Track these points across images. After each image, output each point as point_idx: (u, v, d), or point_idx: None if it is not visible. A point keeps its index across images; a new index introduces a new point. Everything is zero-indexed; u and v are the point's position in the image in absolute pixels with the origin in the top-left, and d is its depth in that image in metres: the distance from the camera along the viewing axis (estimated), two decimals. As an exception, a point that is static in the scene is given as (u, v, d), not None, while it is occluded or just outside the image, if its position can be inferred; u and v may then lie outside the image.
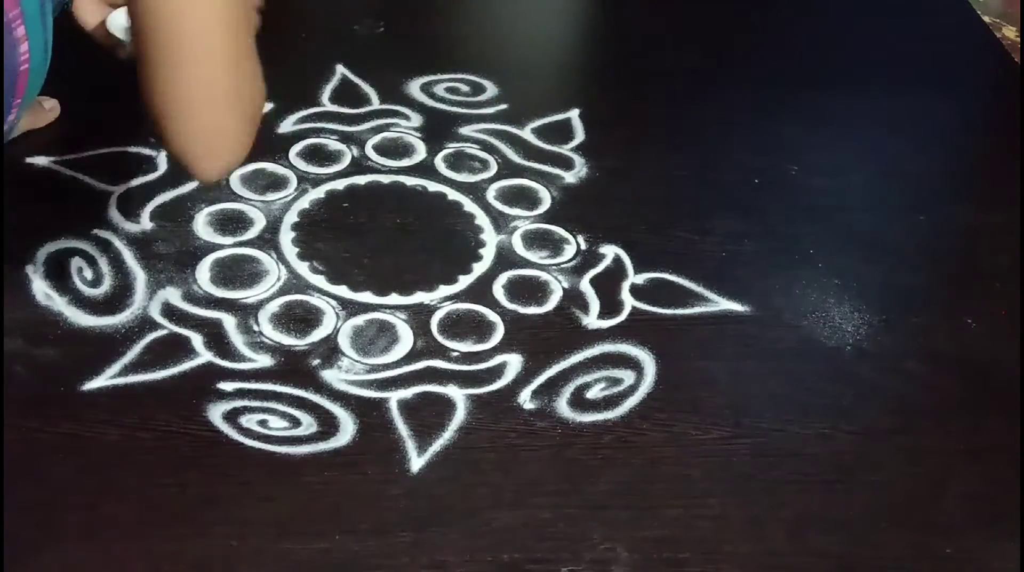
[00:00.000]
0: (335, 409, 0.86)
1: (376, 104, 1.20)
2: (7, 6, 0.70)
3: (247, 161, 1.07)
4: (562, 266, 1.02)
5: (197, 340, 0.90)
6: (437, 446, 0.85)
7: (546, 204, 1.09)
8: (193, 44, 0.71)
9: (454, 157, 1.14)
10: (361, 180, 1.10)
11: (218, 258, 0.98)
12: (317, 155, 1.12)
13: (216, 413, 0.85)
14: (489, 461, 0.84)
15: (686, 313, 0.99)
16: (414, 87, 1.23)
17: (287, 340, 0.91)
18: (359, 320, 0.94)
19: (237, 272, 0.97)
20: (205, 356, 0.89)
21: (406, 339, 0.93)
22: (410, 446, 0.84)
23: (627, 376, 0.92)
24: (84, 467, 0.80)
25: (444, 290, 0.98)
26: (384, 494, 0.81)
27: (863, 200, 1.16)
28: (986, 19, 1.55)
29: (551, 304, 0.98)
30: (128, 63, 1.11)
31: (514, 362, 0.92)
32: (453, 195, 1.09)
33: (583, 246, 1.04)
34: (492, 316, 0.96)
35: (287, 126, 1.15)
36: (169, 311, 0.93)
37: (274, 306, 0.94)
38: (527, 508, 0.81)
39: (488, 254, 1.02)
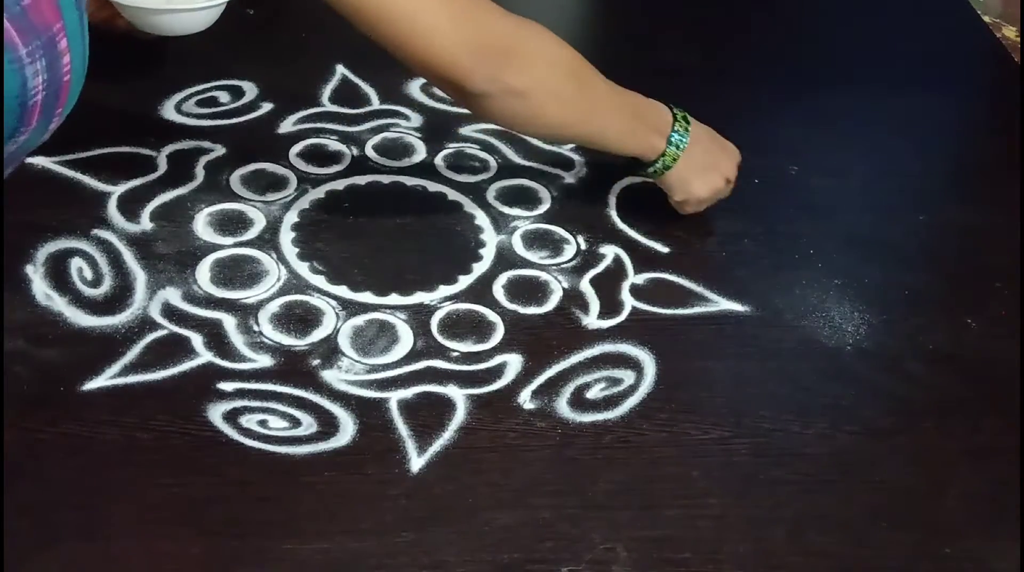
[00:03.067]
0: (335, 409, 0.86)
1: (376, 104, 1.20)
2: (50, 20, 0.72)
3: (248, 162, 1.08)
4: (562, 266, 1.02)
5: (197, 340, 0.90)
6: (437, 446, 0.85)
7: (546, 204, 1.09)
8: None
9: (454, 157, 1.14)
10: (361, 180, 1.10)
11: (218, 258, 0.98)
12: (317, 155, 1.12)
13: (216, 413, 0.85)
14: (489, 461, 0.84)
15: (686, 313, 0.99)
16: (414, 87, 1.23)
17: (287, 340, 0.91)
18: (359, 320, 0.94)
19: (237, 272, 0.97)
20: (205, 356, 0.89)
21: (406, 339, 0.93)
22: (410, 446, 0.84)
23: (627, 376, 0.92)
24: (84, 467, 0.80)
25: (444, 290, 0.98)
26: (384, 494, 0.81)
27: (863, 200, 1.16)
28: (986, 19, 1.55)
29: (551, 304, 0.98)
30: (120, 50, 1.12)
31: (514, 362, 0.92)
32: (453, 195, 1.09)
33: (583, 246, 1.04)
34: (492, 316, 0.96)
35: (287, 126, 1.15)
36: (169, 311, 0.93)
37: (274, 306, 0.94)
38: (527, 508, 0.81)
39: (488, 254, 1.02)
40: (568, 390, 0.90)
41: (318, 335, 0.92)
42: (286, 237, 1.01)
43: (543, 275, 1.01)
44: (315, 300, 0.95)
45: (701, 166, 1.03)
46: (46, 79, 0.73)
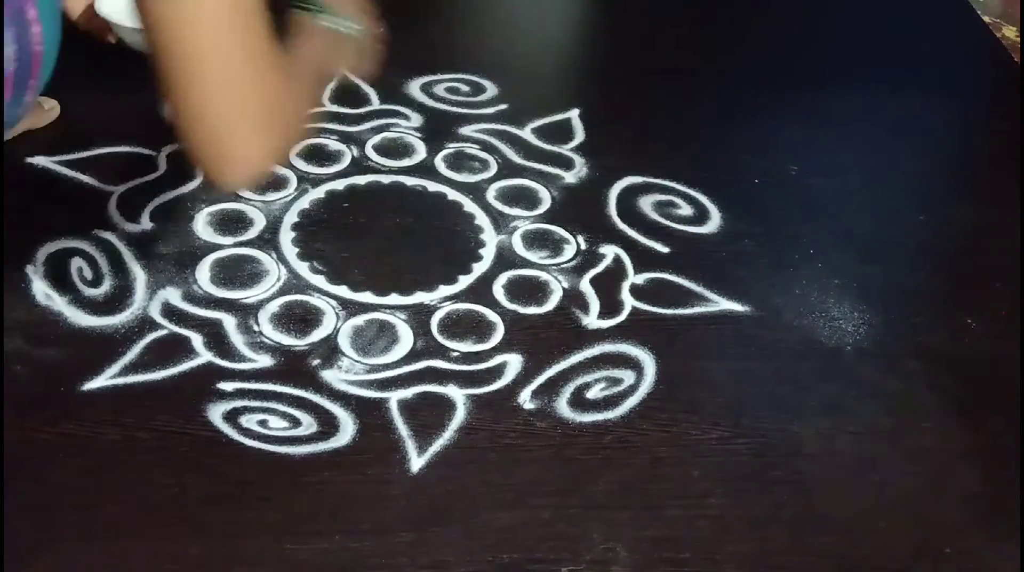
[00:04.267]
0: (335, 409, 0.86)
1: (376, 104, 1.20)
2: None
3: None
4: (562, 266, 1.02)
5: (197, 340, 0.90)
6: (437, 446, 0.85)
7: (546, 204, 1.09)
8: (200, 52, 0.71)
9: (454, 157, 1.14)
10: (361, 180, 1.10)
11: (218, 258, 0.98)
12: (317, 155, 1.12)
13: (216, 413, 0.85)
14: (489, 461, 0.84)
15: (686, 313, 0.99)
16: (414, 87, 1.23)
17: (287, 340, 0.91)
18: (359, 320, 0.94)
19: (237, 272, 0.97)
20: (205, 356, 0.89)
21: (406, 339, 0.93)
22: (410, 446, 0.84)
23: (627, 376, 0.92)
24: (84, 467, 0.80)
25: (444, 290, 0.98)
26: (384, 494, 0.81)
27: (863, 200, 1.16)
28: (986, 19, 1.55)
29: (551, 304, 0.98)
30: (119, 50, 1.12)
31: (514, 362, 0.92)
32: (453, 195, 1.09)
33: (583, 246, 1.04)
34: (492, 316, 0.96)
35: (287, 126, 1.15)
36: (169, 311, 0.93)
37: (274, 306, 0.94)
38: (527, 508, 0.81)
39: (488, 254, 1.02)
40: (568, 390, 0.90)
41: (318, 335, 0.92)
42: (286, 237, 1.01)
43: (543, 275, 1.01)
44: (315, 300, 0.95)
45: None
46: (16, 50, 0.72)
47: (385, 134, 1.16)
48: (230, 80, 0.72)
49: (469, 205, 1.08)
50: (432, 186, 1.10)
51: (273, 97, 0.75)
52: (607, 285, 1.00)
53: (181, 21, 0.70)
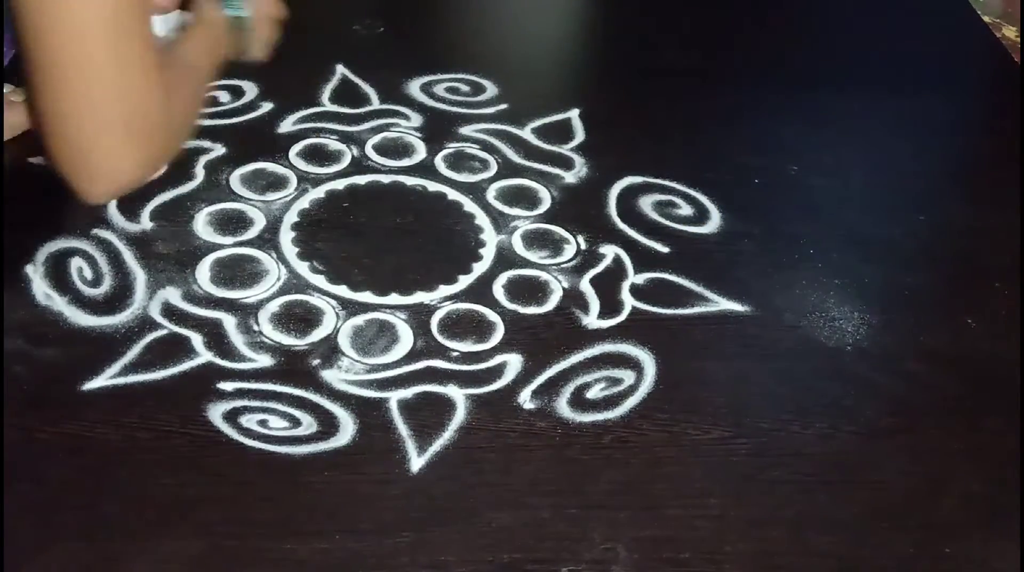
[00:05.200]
0: (335, 409, 0.86)
1: (376, 104, 1.20)
2: None
3: (248, 161, 1.08)
4: (562, 266, 1.02)
5: (197, 340, 0.90)
6: (437, 446, 0.85)
7: (546, 204, 1.09)
8: (67, 53, 0.68)
9: (454, 157, 1.14)
10: (361, 180, 1.10)
11: (218, 258, 0.98)
12: (317, 155, 1.12)
13: (216, 413, 0.85)
14: (489, 461, 0.84)
15: (686, 313, 0.99)
16: (414, 87, 1.23)
17: (287, 340, 0.91)
18: (359, 320, 0.94)
19: (237, 272, 0.97)
20: (205, 356, 0.89)
21: (406, 339, 0.93)
22: (410, 446, 0.84)
23: (627, 376, 0.92)
24: (84, 467, 0.80)
25: (444, 290, 0.98)
26: (384, 494, 0.81)
27: (863, 200, 1.16)
28: (986, 19, 1.55)
29: (551, 304, 0.98)
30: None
31: (514, 362, 0.92)
32: (453, 195, 1.09)
33: (583, 246, 1.04)
34: (492, 316, 0.96)
35: (287, 126, 1.15)
36: (169, 311, 0.93)
37: (274, 306, 0.94)
38: (527, 508, 0.81)
39: (488, 254, 1.02)
40: (568, 390, 0.90)
41: (318, 335, 0.92)
42: (286, 237, 1.01)
43: (543, 275, 1.01)
44: (315, 300, 0.95)
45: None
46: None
47: (385, 134, 1.16)
48: (99, 89, 0.70)
49: (469, 205, 1.08)
50: (432, 186, 1.10)
51: (147, 107, 0.73)
52: (607, 285, 1.00)
53: (54, 29, 0.67)
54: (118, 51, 0.70)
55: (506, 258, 1.02)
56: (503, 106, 1.22)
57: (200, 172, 1.07)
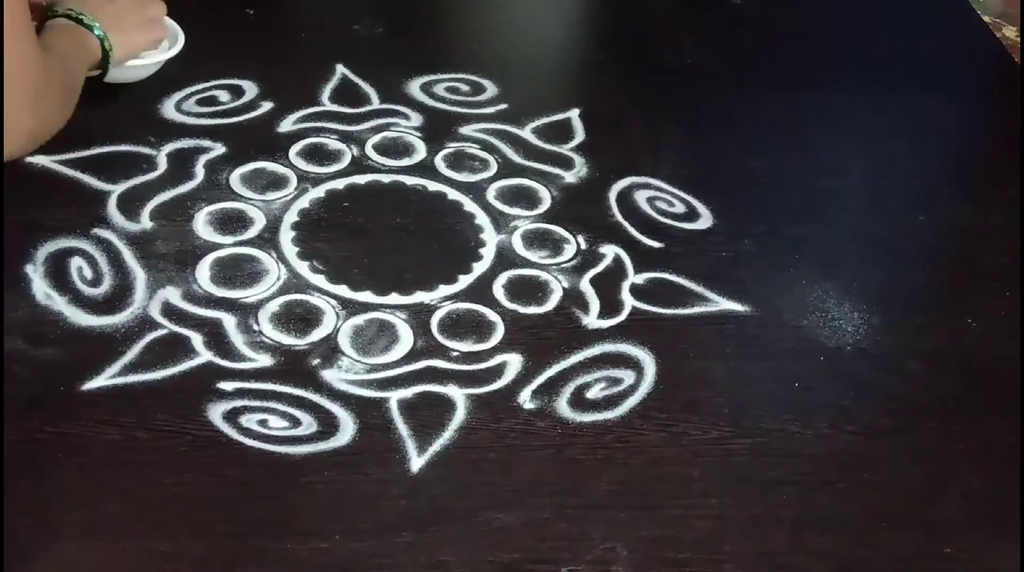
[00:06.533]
0: (335, 409, 0.86)
1: (376, 104, 1.20)
2: None
3: (248, 160, 1.08)
4: (562, 266, 1.02)
5: (197, 340, 0.90)
6: (437, 446, 0.85)
7: (546, 204, 1.09)
8: None
9: (454, 157, 1.14)
10: (361, 179, 1.10)
11: (218, 257, 0.98)
12: (317, 154, 1.12)
13: (216, 413, 0.85)
14: (489, 461, 0.84)
15: (686, 313, 0.99)
16: (414, 87, 1.23)
17: (287, 340, 0.91)
18: (359, 320, 0.94)
19: (237, 271, 0.97)
20: (205, 356, 0.89)
21: (406, 339, 0.93)
22: (410, 446, 0.84)
23: (627, 376, 0.92)
24: (84, 467, 0.80)
25: (444, 290, 0.98)
26: (384, 494, 0.81)
27: (863, 200, 1.16)
28: (986, 19, 1.55)
29: (551, 304, 0.98)
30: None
31: (514, 362, 0.92)
32: (453, 195, 1.09)
33: (583, 246, 1.04)
34: (492, 316, 0.96)
35: (287, 125, 1.15)
36: (169, 311, 0.93)
37: (274, 306, 0.94)
38: (527, 508, 0.81)
39: (488, 254, 1.02)
40: (568, 390, 0.90)
41: (318, 335, 0.92)
42: (286, 236, 1.01)
43: (543, 275, 1.01)
44: (315, 299, 0.95)
45: (132, 25, 1.06)
46: None
47: (385, 133, 1.16)
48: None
49: (469, 205, 1.08)
50: (432, 186, 1.10)
51: (38, 68, 0.77)
52: (607, 285, 1.00)
53: None
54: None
55: (506, 258, 1.02)
56: (503, 106, 1.21)
57: (200, 171, 1.07)
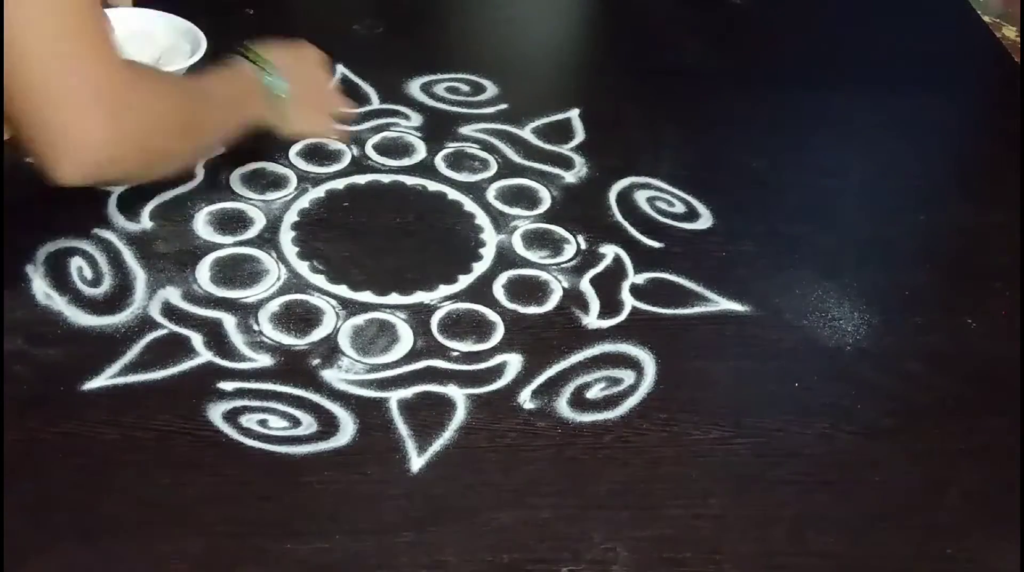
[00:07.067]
0: (335, 409, 0.86)
1: (376, 104, 1.20)
2: None
3: (248, 160, 1.08)
4: (562, 266, 1.02)
5: (197, 340, 0.90)
6: (437, 446, 0.85)
7: (546, 204, 1.09)
8: (9, 25, 0.67)
9: (454, 157, 1.14)
10: (361, 179, 1.10)
11: (218, 257, 0.98)
12: (317, 154, 1.12)
13: (216, 413, 0.85)
14: (489, 461, 0.84)
15: (686, 313, 0.99)
16: (414, 87, 1.23)
17: (287, 340, 0.91)
18: (359, 320, 0.94)
19: (237, 271, 0.97)
20: (205, 356, 0.89)
21: (406, 339, 0.93)
22: (410, 446, 0.84)
23: (627, 376, 0.92)
24: (84, 467, 0.80)
25: (444, 290, 0.98)
26: (384, 494, 0.81)
27: (863, 200, 1.16)
28: (986, 19, 1.55)
29: (551, 304, 0.98)
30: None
31: (514, 362, 0.92)
32: (453, 195, 1.09)
33: (583, 246, 1.04)
34: (492, 316, 0.96)
35: (287, 126, 1.15)
36: (169, 311, 0.93)
37: (274, 306, 0.94)
38: (527, 508, 0.81)
39: (488, 254, 1.02)
40: (568, 390, 0.90)
41: (318, 335, 0.92)
42: (286, 236, 1.01)
43: (543, 275, 1.01)
44: (315, 299, 0.95)
45: (307, 109, 1.01)
46: None
47: (385, 133, 1.16)
48: (49, 59, 0.68)
49: (469, 205, 1.08)
50: (432, 185, 1.10)
51: (102, 79, 0.70)
52: (607, 285, 1.00)
53: None
54: (59, 19, 0.68)
55: (506, 258, 1.02)
56: (503, 106, 1.22)
57: (200, 171, 1.07)
